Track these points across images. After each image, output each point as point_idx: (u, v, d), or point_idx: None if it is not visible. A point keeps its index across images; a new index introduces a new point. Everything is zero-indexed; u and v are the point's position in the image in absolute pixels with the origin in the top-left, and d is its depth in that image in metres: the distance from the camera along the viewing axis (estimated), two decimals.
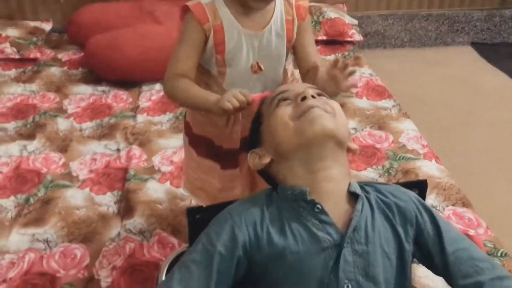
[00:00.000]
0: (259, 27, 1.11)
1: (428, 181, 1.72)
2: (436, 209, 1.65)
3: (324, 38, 2.82)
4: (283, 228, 0.81)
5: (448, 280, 0.81)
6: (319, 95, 0.91)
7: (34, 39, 2.73)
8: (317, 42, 2.81)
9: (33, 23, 2.84)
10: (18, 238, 1.56)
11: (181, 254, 0.83)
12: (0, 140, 2.03)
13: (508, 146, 2.26)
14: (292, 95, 0.91)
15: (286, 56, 1.19)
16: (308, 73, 1.16)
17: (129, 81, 2.44)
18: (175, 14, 2.49)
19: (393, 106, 2.25)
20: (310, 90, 0.90)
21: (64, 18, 2.88)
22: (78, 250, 1.53)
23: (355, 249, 0.78)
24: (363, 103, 2.28)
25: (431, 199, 1.68)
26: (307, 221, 0.81)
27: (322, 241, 0.78)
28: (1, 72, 2.56)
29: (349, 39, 2.82)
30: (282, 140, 0.87)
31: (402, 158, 1.90)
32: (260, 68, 1.13)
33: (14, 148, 1.99)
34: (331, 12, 2.88)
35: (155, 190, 1.75)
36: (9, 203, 1.71)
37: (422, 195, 0.93)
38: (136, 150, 1.95)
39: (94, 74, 2.48)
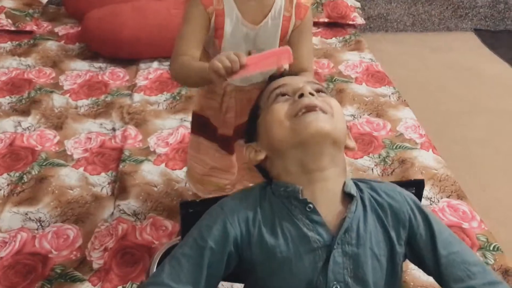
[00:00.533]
0: (257, 20, 1.11)
1: (424, 172, 1.73)
2: (430, 200, 1.65)
3: (326, 20, 2.77)
4: (274, 226, 0.80)
5: (440, 282, 0.81)
6: (318, 91, 0.89)
7: (31, 11, 2.67)
8: (319, 24, 2.77)
9: None
10: (11, 216, 1.56)
11: (173, 247, 0.83)
12: None
13: (507, 137, 2.25)
14: (290, 90, 0.89)
15: None
16: (297, 71, 1.12)
17: (126, 58, 2.41)
18: None
19: (392, 93, 2.23)
20: (309, 87, 0.88)
21: None
22: (71, 230, 1.52)
23: (345, 251, 0.78)
24: (362, 89, 2.25)
25: (426, 190, 1.68)
26: (298, 220, 0.80)
27: (312, 242, 0.78)
28: None
29: (351, 22, 2.78)
30: (277, 138, 0.85)
31: (399, 147, 1.89)
32: None
33: (8, 123, 1.97)
34: None
35: (149, 172, 1.74)
36: (2, 180, 1.69)
37: (419, 194, 0.93)
38: (131, 130, 1.94)
39: (92, 50, 2.44)
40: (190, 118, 1.42)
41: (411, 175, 1.74)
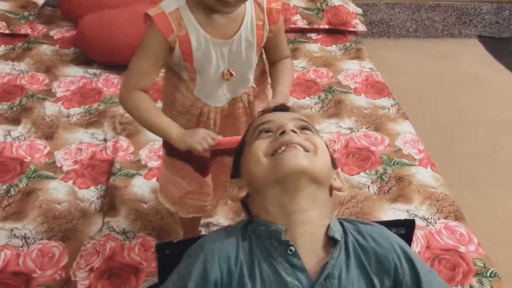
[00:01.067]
0: (228, 35, 1.07)
1: (421, 191, 1.68)
2: (427, 221, 1.60)
3: (326, 27, 2.72)
4: (253, 269, 0.76)
5: None
6: (303, 128, 0.86)
7: (26, 13, 2.63)
8: (319, 31, 2.72)
9: None
10: None
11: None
12: None
13: (509, 150, 2.20)
14: (274, 126, 0.86)
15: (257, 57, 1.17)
16: (274, 65, 1.20)
17: (121, 64, 2.36)
18: None
19: (391, 105, 2.18)
20: (291, 124, 0.84)
21: None
22: (57, 248, 1.48)
23: None
24: (361, 100, 2.20)
25: (422, 211, 1.64)
26: (277, 263, 0.76)
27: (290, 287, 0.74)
28: None
29: (352, 29, 2.72)
30: (255, 175, 0.82)
31: (397, 163, 1.84)
32: (231, 74, 1.11)
33: None
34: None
35: (140, 187, 1.70)
36: None
37: (409, 234, 0.88)
38: (123, 142, 1.89)
39: (86, 55, 2.40)
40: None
41: (408, 193, 1.70)
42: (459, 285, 1.41)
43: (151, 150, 1.87)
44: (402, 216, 1.62)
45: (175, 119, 1.16)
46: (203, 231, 1.54)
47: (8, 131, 1.94)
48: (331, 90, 2.26)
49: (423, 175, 1.79)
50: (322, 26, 2.71)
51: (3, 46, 2.49)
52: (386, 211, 1.64)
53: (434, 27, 3.20)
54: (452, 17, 3.18)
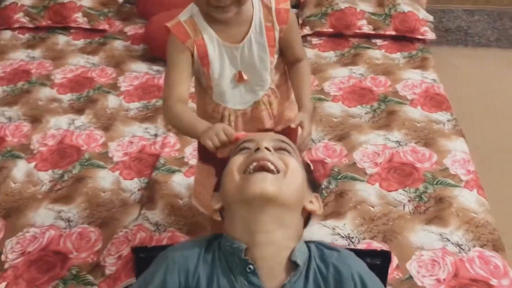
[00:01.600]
0: (238, 39, 1.13)
1: (460, 215, 1.59)
2: (460, 248, 1.52)
3: (393, 33, 2.63)
4: (211, 281, 0.79)
5: None
6: (280, 149, 0.87)
7: (106, 10, 2.83)
8: (385, 37, 2.64)
9: None
10: (45, 213, 1.68)
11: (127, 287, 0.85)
12: (53, 111, 2.17)
13: None
14: (252, 145, 0.88)
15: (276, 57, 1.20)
16: (291, 68, 1.24)
17: None
18: None
19: (448, 120, 2.07)
20: (266, 142, 0.86)
21: None
22: (93, 233, 1.61)
23: None
24: (415, 113, 2.12)
25: (457, 236, 1.55)
26: (236, 280, 0.78)
27: None
28: (71, 41, 2.70)
29: (420, 36, 2.61)
30: (227, 191, 0.85)
31: (440, 183, 1.76)
32: (242, 77, 1.16)
33: (63, 121, 2.11)
34: (405, 5, 2.67)
35: (179, 183, 1.79)
36: (46, 176, 1.83)
37: (385, 266, 0.86)
38: (171, 138, 1.99)
39: (152, 53, 2.53)
40: None
41: (445, 216, 1.62)
42: None
43: (195, 149, 1.94)
44: (433, 238, 1.55)
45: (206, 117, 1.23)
46: None
47: (73, 120, 2.12)
48: (386, 100, 2.20)
49: (466, 198, 1.69)
50: (388, 32, 2.63)
51: (82, 40, 2.71)
52: (417, 232, 1.58)
53: None
54: None
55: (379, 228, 1.60)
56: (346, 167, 1.84)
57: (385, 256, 0.87)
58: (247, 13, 1.13)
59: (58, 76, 2.41)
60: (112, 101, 2.23)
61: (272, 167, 0.82)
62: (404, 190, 1.74)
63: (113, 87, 2.33)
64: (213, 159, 1.28)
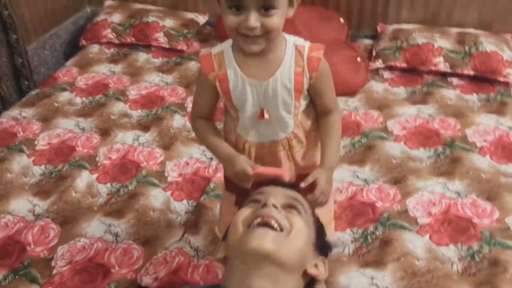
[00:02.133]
0: (264, 77, 1.14)
1: None
2: None
3: (471, 73, 2.49)
4: None
5: None
6: (290, 207, 0.86)
7: (185, 31, 2.96)
8: (462, 76, 2.51)
9: (190, 15, 3.08)
10: (97, 225, 1.78)
11: None
12: (122, 126, 2.30)
13: None
14: (262, 198, 0.88)
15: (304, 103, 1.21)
16: (321, 119, 1.24)
17: None
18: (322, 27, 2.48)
19: None
20: (274, 199, 0.86)
21: None
22: (136, 251, 1.68)
23: None
24: (483, 162, 1.98)
25: None
26: None
27: None
28: (151, 59, 2.85)
29: (501, 79, 2.44)
30: (231, 242, 0.86)
31: (498, 244, 1.62)
32: (263, 115, 1.17)
33: (130, 136, 2.23)
34: (488, 44, 2.52)
35: None
36: (104, 189, 1.94)
37: None
38: None
39: None
40: None
41: (498, 282, 1.49)
42: None
43: None
44: None
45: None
46: None
47: (138, 136, 2.23)
48: (452, 145, 2.08)
49: None
50: (466, 72, 2.49)
51: (160, 58, 2.85)
52: None
53: None
54: None
55: (421, 285, 1.51)
56: (397, 214, 1.77)
57: None
58: (278, 54, 1.14)
59: (133, 92, 2.55)
60: (177, 120, 2.33)
61: (275, 225, 0.81)
62: (455, 246, 1.63)
63: (181, 107, 2.43)
64: (235, 188, 1.32)
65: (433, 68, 2.52)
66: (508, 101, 2.35)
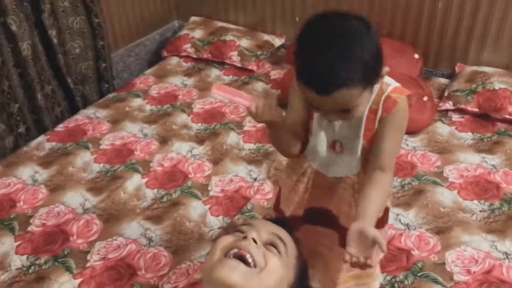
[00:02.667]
0: None
1: None
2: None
3: (475, 110, 2.41)
4: None
5: None
6: (271, 244, 0.86)
7: (259, 52, 3.03)
8: (466, 112, 2.45)
9: (266, 37, 3.15)
10: (136, 227, 1.87)
11: None
12: (181, 137, 2.39)
13: None
14: (248, 231, 0.89)
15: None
16: (374, 171, 1.11)
17: None
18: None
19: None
20: (255, 233, 0.86)
21: (296, 36, 3.08)
22: (165, 258, 1.74)
23: None
24: (448, 197, 1.81)
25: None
26: None
27: None
28: (222, 76, 2.95)
29: (507, 116, 2.35)
30: (206, 267, 0.87)
31: None
32: (334, 148, 1.16)
33: (185, 147, 2.31)
34: (498, 83, 2.41)
35: None
36: (151, 194, 2.03)
37: None
38: (266, 186, 2.05)
39: (281, 100, 2.63)
40: None
41: None
42: None
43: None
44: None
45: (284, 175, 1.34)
46: None
47: (192, 148, 2.32)
48: (421, 178, 2.02)
49: None
50: (470, 108, 2.41)
51: (231, 76, 2.95)
52: None
53: None
54: None
55: None
56: (432, 265, 1.67)
57: None
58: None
59: (198, 106, 2.66)
60: (232, 138, 2.39)
61: (249, 260, 0.82)
62: None
63: (238, 125, 2.48)
64: (280, 212, 1.36)
65: (507, 116, 2.36)
66: (504, 140, 2.21)
